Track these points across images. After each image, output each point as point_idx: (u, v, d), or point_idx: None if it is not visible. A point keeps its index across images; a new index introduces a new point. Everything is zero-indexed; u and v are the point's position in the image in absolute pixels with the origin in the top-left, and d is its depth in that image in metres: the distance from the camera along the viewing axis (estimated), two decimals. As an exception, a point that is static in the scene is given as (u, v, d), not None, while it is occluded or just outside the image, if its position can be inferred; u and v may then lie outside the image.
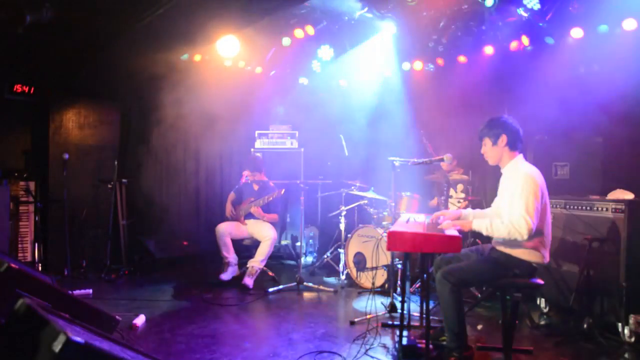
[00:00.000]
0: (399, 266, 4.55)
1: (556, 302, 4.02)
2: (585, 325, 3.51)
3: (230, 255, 5.12)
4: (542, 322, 3.80)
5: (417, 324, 3.75)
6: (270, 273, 5.33)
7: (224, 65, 6.27)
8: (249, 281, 4.90)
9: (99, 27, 4.94)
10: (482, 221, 2.89)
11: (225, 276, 5.04)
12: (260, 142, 6.70)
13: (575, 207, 3.90)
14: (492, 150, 3.07)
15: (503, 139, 3.00)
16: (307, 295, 4.79)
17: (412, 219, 3.38)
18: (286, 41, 5.80)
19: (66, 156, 5.24)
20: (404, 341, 3.24)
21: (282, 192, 5.15)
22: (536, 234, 2.83)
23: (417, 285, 4.74)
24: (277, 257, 6.31)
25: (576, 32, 4.89)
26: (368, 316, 3.82)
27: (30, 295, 1.76)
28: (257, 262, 4.98)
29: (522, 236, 2.74)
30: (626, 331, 3.42)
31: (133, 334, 3.49)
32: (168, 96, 6.18)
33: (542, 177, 2.92)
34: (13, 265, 2.03)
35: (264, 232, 5.09)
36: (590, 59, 4.84)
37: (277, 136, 6.70)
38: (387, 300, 4.23)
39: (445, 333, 2.93)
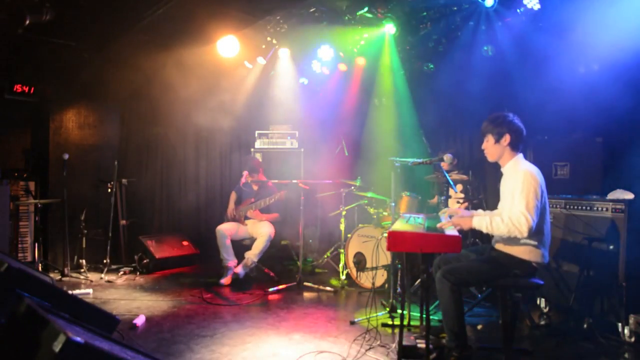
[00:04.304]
0: (399, 266, 4.55)
1: (556, 302, 4.01)
2: (585, 325, 3.51)
3: (230, 258, 5.13)
4: (542, 322, 3.80)
5: (417, 324, 3.75)
6: (271, 273, 5.33)
7: (224, 65, 6.27)
8: (240, 270, 5.08)
9: (99, 27, 4.95)
10: (483, 219, 2.87)
11: (225, 281, 5.04)
12: (260, 142, 6.70)
13: (575, 207, 3.89)
14: (493, 148, 3.06)
15: (506, 138, 2.98)
16: (307, 295, 4.79)
17: (412, 219, 3.38)
18: (286, 41, 5.81)
19: (66, 156, 5.25)
20: (404, 341, 3.23)
21: (283, 195, 5.13)
22: (536, 233, 2.82)
23: (417, 285, 4.74)
24: (277, 257, 6.30)
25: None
26: (368, 316, 3.82)
27: (30, 295, 1.76)
28: (253, 255, 5.09)
29: (521, 234, 2.73)
30: (626, 331, 3.42)
31: (133, 334, 3.50)
32: (168, 96, 6.20)
33: (541, 175, 2.91)
34: (13, 265, 2.03)
35: (260, 229, 5.17)
36: (590, 59, 4.83)
37: (277, 136, 6.70)
38: (387, 300, 4.23)
39: (445, 332, 2.93)
